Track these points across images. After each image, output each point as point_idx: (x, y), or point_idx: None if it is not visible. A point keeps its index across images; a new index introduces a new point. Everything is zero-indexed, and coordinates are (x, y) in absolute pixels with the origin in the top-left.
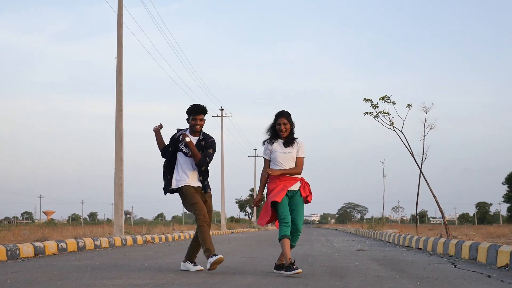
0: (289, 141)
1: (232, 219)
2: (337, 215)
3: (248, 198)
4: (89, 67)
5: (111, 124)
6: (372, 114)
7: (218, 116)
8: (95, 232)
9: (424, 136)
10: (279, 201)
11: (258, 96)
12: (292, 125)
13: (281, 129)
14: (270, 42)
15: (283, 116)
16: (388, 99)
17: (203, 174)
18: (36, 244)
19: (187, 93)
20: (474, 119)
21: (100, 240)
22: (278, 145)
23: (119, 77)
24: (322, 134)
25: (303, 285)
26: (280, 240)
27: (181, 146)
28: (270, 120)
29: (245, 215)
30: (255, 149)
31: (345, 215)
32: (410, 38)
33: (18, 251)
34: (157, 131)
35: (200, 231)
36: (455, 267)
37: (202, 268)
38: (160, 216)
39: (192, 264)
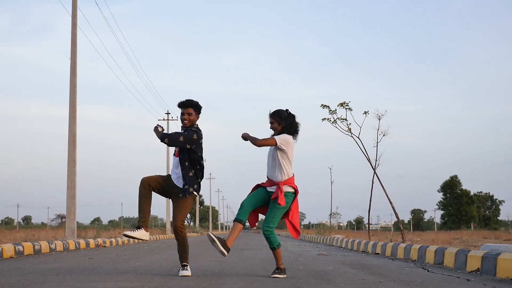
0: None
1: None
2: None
3: None
4: (28, 68)
5: (51, 126)
6: (330, 120)
7: (164, 119)
8: (38, 236)
9: (377, 142)
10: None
11: (204, 100)
12: (281, 123)
13: (270, 128)
14: (216, 47)
15: (270, 116)
16: (347, 105)
17: (185, 176)
18: None
19: (135, 95)
20: (409, 127)
21: (55, 244)
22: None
23: (73, 78)
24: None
25: None
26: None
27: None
28: (216, 124)
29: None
30: None
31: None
32: (358, 43)
33: None
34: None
35: (138, 199)
36: (428, 271)
37: (187, 273)
38: (97, 220)
39: (180, 268)
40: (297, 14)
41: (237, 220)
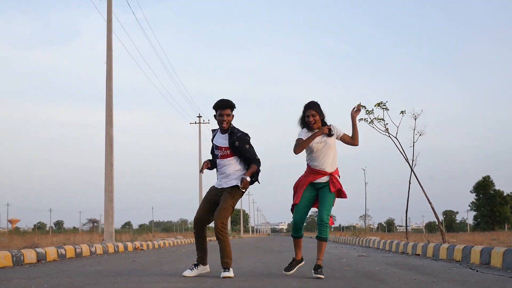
0: (328, 133)
1: None
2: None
3: None
4: (56, 73)
5: (82, 132)
6: (367, 121)
7: (196, 123)
8: (73, 240)
9: (414, 142)
10: (297, 202)
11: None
12: (321, 115)
13: (310, 121)
14: (244, 49)
15: (311, 108)
16: (384, 105)
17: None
18: (38, 250)
19: (167, 99)
20: (440, 127)
21: (95, 247)
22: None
23: (109, 82)
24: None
25: None
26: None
27: (216, 151)
28: (247, 125)
29: None
30: None
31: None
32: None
33: (22, 257)
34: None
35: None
36: (477, 271)
37: (230, 275)
38: (128, 224)
39: (222, 270)
40: (323, 14)
41: (296, 237)
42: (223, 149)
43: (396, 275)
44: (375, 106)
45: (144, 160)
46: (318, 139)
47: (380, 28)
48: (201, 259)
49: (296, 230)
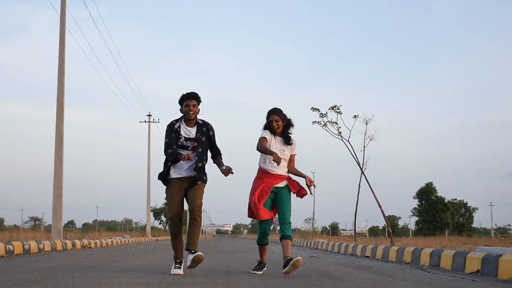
0: (287, 139)
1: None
2: (250, 226)
3: (163, 206)
4: (4, 68)
5: (24, 128)
6: (320, 124)
7: (145, 122)
8: (16, 238)
9: (364, 146)
10: (261, 204)
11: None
12: (284, 121)
13: (274, 126)
14: (198, 52)
15: (274, 113)
16: (338, 109)
17: (201, 167)
18: None
19: (118, 97)
20: (385, 134)
21: (44, 244)
22: (276, 141)
23: (60, 77)
24: (238, 144)
25: (314, 286)
26: (258, 245)
27: (181, 141)
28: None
29: (160, 223)
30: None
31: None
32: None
33: None
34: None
35: (170, 232)
36: (428, 272)
37: (200, 253)
38: (70, 223)
39: (189, 254)
40: (277, 22)
41: (263, 245)
42: (192, 140)
43: (352, 275)
44: (329, 109)
45: (89, 157)
46: (279, 146)
47: (332, 35)
48: (181, 256)
49: (263, 238)
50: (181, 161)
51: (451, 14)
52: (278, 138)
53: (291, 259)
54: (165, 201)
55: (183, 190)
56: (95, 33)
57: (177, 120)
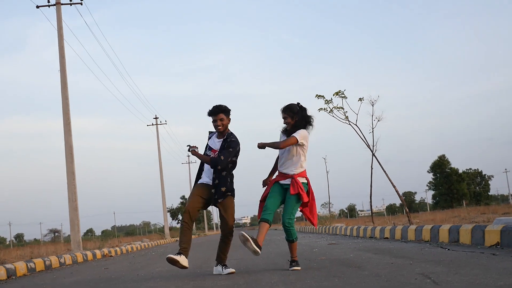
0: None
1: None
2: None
3: (179, 206)
4: (7, 84)
5: (37, 141)
6: (327, 110)
7: (153, 124)
8: (38, 253)
9: (373, 128)
10: (267, 192)
11: (190, 103)
12: (293, 118)
13: (285, 123)
14: (192, 49)
15: (283, 111)
16: (342, 94)
17: (219, 177)
18: (7, 266)
19: (122, 102)
20: (390, 111)
21: (64, 257)
22: (282, 136)
23: (64, 90)
24: (251, 135)
25: (334, 277)
26: (259, 221)
27: (206, 149)
28: (202, 126)
29: (178, 223)
30: (188, 156)
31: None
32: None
33: None
34: (194, 152)
35: (180, 229)
36: (448, 250)
37: (233, 270)
38: (90, 231)
39: (223, 267)
40: (273, 8)
41: (264, 220)
42: (214, 151)
43: (372, 260)
44: (333, 95)
45: (102, 165)
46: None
47: (330, 17)
48: (186, 250)
49: (265, 212)
50: (204, 174)
51: None
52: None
53: (296, 263)
54: (181, 200)
55: (205, 194)
56: (93, 41)
57: (213, 133)
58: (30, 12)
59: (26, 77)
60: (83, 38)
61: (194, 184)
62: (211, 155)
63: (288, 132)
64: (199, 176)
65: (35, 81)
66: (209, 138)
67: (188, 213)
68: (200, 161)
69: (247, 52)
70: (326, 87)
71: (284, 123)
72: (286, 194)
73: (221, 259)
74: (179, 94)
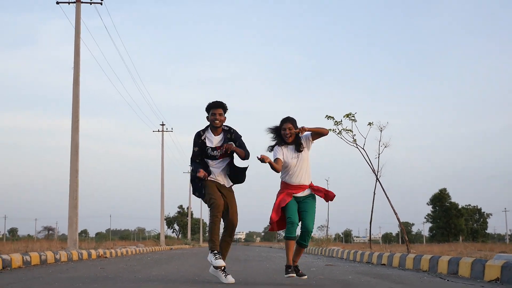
0: (298, 146)
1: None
2: (262, 234)
3: (176, 215)
4: (18, 79)
5: (40, 138)
6: (335, 131)
7: (159, 131)
8: (31, 248)
9: (379, 154)
10: (283, 205)
11: (198, 114)
12: (296, 128)
13: (287, 134)
14: (205, 60)
15: (288, 122)
16: (353, 116)
17: (241, 171)
18: (4, 256)
19: (131, 106)
20: (398, 140)
21: (60, 254)
22: (288, 150)
23: (75, 88)
24: (253, 151)
25: None
26: (285, 240)
27: (208, 151)
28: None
29: (173, 232)
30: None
31: (271, 233)
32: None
33: None
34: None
35: (210, 221)
36: (447, 281)
37: (223, 264)
38: (84, 232)
39: (214, 257)
40: (285, 27)
41: (290, 238)
42: (219, 149)
43: (371, 284)
44: (344, 117)
45: (103, 167)
46: (291, 154)
47: (343, 40)
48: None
49: (292, 229)
50: (211, 168)
51: (464, 15)
52: (290, 147)
53: (298, 269)
54: (178, 210)
55: (218, 188)
56: (108, 42)
57: (203, 131)
58: (49, 8)
59: (38, 73)
60: (99, 38)
61: (204, 180)
62: (217, 154)
63: (293, 143)
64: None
65: (47, 77)
66: (202, 138)
67: (221, 207)
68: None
69: (260, 69)
70: (335, 110)
71: (285, 133)
72: (301, 204)
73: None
74: (188, 103)
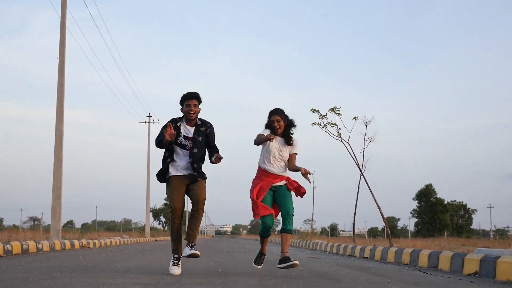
0: (287, 139)
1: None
2: (249, 227)
3: (162, 207)
4: (4, 68)
5: (26, 128)
6: (320, 125)
7: (145, 122)
8: (15, 238)
9: (364, 148)
10: (260, 199)
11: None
12: (286, 121)
13: (275, 126)
14: (198, 52)
15: (276, 114)
16: (338, 110)
17: (197, 161)
18: None
19: (118, 97)
20: (385, 135)
21: (42, 244)
22: (276, 141)
23: (60, 77)
24: (238, 144)
25: (311, 287)
26: (260, 236)
27: (180, 138)
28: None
29: (159, 224)
30: None
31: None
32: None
33: None
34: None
35: (170, 226)
36: (427, 274)
37: (197, 252)
38: (70, 223)
39: (190, 247)
40: (278, 23)
41: (265, 237)
42: (190, 139)
43: (350, 276)
44: (328, 111)
45: (89, 158)
46: (277, 146)
47: (333, 34)
48: (180, 251)
49: (266, 231)
50: (178, 161)
51: (449, 14)
52: (279, 138)
53: (289, 258)
54: (165, 201)
55: (184, 186)
56: (95, 33)
57: (180, 118)
58: None
59: (25, 63)
60: (85, 29)
61: (166, 176)
62: (188, 144)
63: (282, 135)
64: (167, 162)
65: (32, 67)
66: (176, 125)
67: (179, 211)
68: (165, 144)
69: (247, 61)
70: (322, 104)
71: (274, 126)
72: (277, 192)
73: (189, 237)
74: (175, 96)
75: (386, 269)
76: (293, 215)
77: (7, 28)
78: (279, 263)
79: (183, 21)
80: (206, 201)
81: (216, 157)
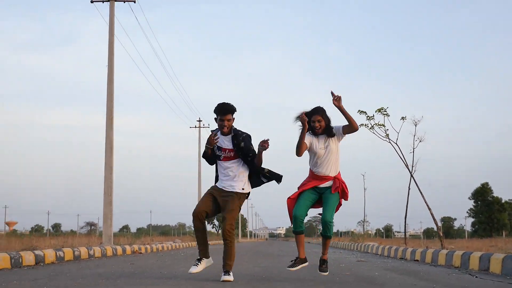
0: (329, 132)
1: None
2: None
3: None
4: (56, 77)
5: (82, 135)
6: (368, 126)
7: (196, 127)
8: (71, 243)
9: (414, 148)
10: (293, 197)
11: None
12: (327, 121)
13: (316, 126)
14: (245, 53)
15: (316, 113)
16: (385, 111)
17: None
18: (37, 252)
19: (167, 103)
20: (438, 134)
21: (94, 250)
22: (318, 141)
23: (110, 86)
24: (289, 145)
25: None
26: (293, 232)
27: (215, 148)
28: (247, 130)
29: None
30: None
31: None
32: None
33: (20, 259)
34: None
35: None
36: (476, 277)
37: (230, 279)
38: (125, 228)
39: (223, 274)
40: (324, 20)
41: (297, 232)
42: (227, 151)
43: (395, 280)
44: (376, 111)
45: (143, 163)
46: (321, 144)
47: (381, 34)
48: (204, 252)
49: (296, 224)
50: (219, 173)
51: (499, 12)
52: (320, 136)
53: (324, 262)
54: None
55: (215, 196)
56: (143, 39)
57: (215, 130)
58: (84, 7)
59: (75, 71)
60: (134, 35)
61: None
62: (221, 154)
63: (323, 132)
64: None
65: (83, 75)
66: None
67: (197, 216)
68: (209, 155)
69: (295, 62)
70: (368, 104)
71: (315, 126)
72: (323, 195)
73: (223, 264)
74: (225, 99)
75: (434, 272)
76: (331, 222)
77: (57, 37)
78: (319, 266)
79: (231, 23)
80: (258, 205)
81: (261, 143)
